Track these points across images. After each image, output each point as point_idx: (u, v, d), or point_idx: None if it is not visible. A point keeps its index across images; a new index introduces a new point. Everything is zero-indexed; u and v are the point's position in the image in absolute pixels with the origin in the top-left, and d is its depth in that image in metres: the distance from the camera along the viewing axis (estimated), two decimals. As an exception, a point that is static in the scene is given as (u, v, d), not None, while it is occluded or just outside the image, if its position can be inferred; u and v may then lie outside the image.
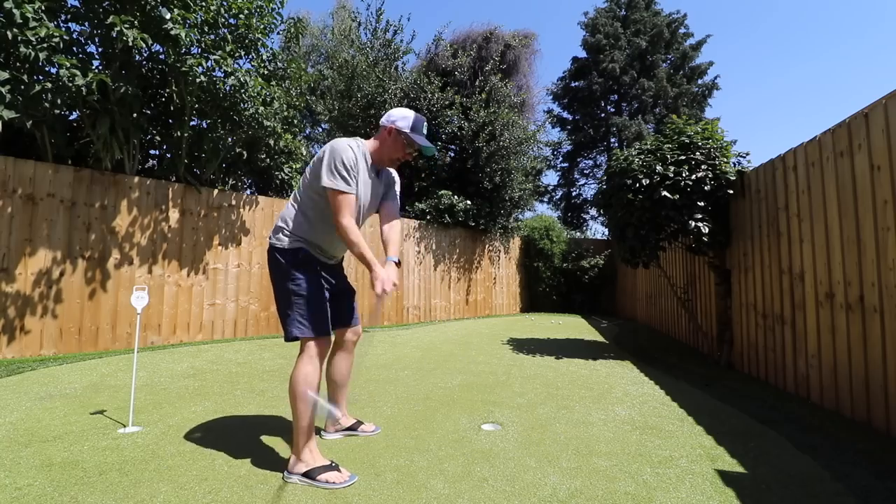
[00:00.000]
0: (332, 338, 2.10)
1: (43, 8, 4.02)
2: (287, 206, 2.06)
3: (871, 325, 2.49)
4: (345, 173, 1.88)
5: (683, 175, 4.03)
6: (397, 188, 2.24)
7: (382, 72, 9.24)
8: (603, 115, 17.40)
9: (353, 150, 1.95)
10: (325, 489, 1.71)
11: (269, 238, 2.02)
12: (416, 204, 8.72)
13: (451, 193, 8.88)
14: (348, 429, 2.31)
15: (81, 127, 5.05)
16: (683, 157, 4.14)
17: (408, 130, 2.06)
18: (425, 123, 2.12)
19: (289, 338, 1.90)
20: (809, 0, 35.75)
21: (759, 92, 38.66)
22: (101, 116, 4.62)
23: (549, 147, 15.87)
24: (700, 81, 16.72)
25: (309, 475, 1.76)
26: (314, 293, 1.92)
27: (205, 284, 5.46)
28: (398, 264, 2.03)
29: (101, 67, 4.67)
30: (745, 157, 4.25)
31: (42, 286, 4.32)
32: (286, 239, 1.96)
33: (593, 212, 17.60)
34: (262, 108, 5.47)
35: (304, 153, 7.09)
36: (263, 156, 6.45)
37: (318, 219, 1.98)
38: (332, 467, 1.79)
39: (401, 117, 2.08)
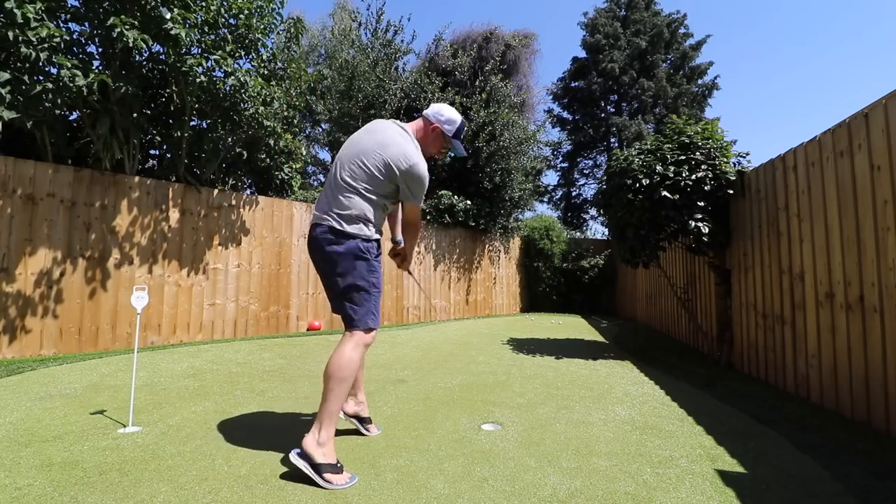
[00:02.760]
0: None
1: (44, 8, 4.02)
2: (350, 196, 1.95)
3: (871, 325, 2.49)
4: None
5: (683, 175, 4.03)
6: None
7: (383, 72, 9.24)
8: (603, 115, 17.40)
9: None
10: (324, 488, 1.71)
11: (341, 226, 1.92)
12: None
13: (451, 193, 8.88)
14: (360, 420, 2.30)
15: (81, 127, 5.05)
16: (683, 157, 4.14)
17: (451, 135, 2.12)
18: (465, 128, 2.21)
19: (359, 328, 1.92)
20: (809, 0, 35.75)
21: (759, 92, 38.69)
22: (101, 116, 4.62)
23: (549, 147, 15.89)
24: (700, 81, 16.73)
25: (317, 469, 1.73)
26: (381, 285, 2.01)
27: (205, 284, 5.46)
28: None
29: (101, 67, 4.67)
30: (745, 157, 4.25)
31: (42, 286, 4.32)
32: (368, 230, 1.96)
33: (593, 212, 17.61)
34: (262, 108, 5.47)
35: (304, 153, 7.09)
36: (263, 156, 6.45)
37: (384, 212, 2.07)
38: (338, 468, 1.78)
39: (448, 120, 2.13)
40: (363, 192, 1.96)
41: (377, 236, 2.01)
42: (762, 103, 39.37)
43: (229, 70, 4.96)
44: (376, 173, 1.96)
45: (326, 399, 1.82)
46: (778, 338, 3.42)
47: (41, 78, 4.16)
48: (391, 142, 1.98)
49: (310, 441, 1.78)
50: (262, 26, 5.45)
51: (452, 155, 2.29)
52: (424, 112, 2.18)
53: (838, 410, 2.72)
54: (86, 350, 4.53)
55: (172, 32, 4.45)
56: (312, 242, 2.01)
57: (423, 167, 1.99)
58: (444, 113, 2.13)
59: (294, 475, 1.78)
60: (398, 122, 2.12)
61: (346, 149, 2.07)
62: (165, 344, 5.04)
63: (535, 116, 15.00)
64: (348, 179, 1.97)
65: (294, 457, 1.76)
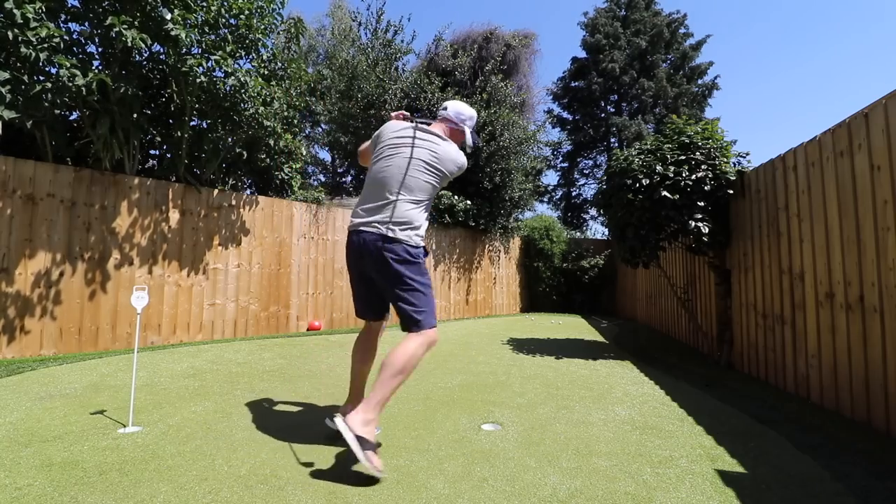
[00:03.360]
0: None
1: (43, 8, 4.02)
2: (404, 203, 2.07)
3: (871, 325, 2.49)
4: None
5: (683, 175, 4.03)
6: None
7: (383, 72, 9.24)
8: (603, 115, 17.39)
9: None
10: (363, 464, 1.71)
11: (394, 233, 2.03)
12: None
13: (450, 193, 8.87)
14: None
15: (81, 127, 5.05)
16: (683, 157, 4.14)
17: (472, 130, 2.30)
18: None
19: (423, 327, 2.03)
20: (809, 0, 35.75)
21: (759, 92, 38.68)
22: (101, 116, 4.62)
23: (549, 147, 15.87)
24: (700, 81, 16.72)
25: (363, 443, 1.72)
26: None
27: (205, 284, 5.46)
28: None
29: (101, 67, 4.66)
30: (745, 157, 4.25)
31: (42, 286, 4.32)
32: (418, 237, 2.08)
33: (593, 212, 17.60)
34: (262, 108, 5.47)
35: (304, 153, 7.08)
36: (263, 156, 6.45)
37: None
38: (377, 453, 1.80)
39: (469, 118, 2.31)
40: (411, 200, 2.09)
41: (424, 243, 2.14)
42: (762, 103, 39.39)
43: (229, 70, 4.96)
44: (435, 184, 2.16)
45: (385, 387, 1.87)
46: (778, 338, 3.42)
47: (41, 78, 4.15)
48: (446, 157, 2.18)
49: (358, 419, 1.77)
50: (262, 26, 5.45)
51: (472, 145, 2.36)
52: (444, 114, 2.30)
53: (838, 410, 2.72)
54: (86, 350, 4.53)
55: (173, 33, 4.45)
56: (363, 248, 2.05)
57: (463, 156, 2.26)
58: (464, 112, 2.30)
59: (291, 469, 1.77)
60: (430, 128, 2.23)
61: (394, 158, 2.14)
62: (165, 344, 5.04)
63: (535, 116, 15.00)
64: (408, 190, 2.09)
65: (340, 423, 1.76)
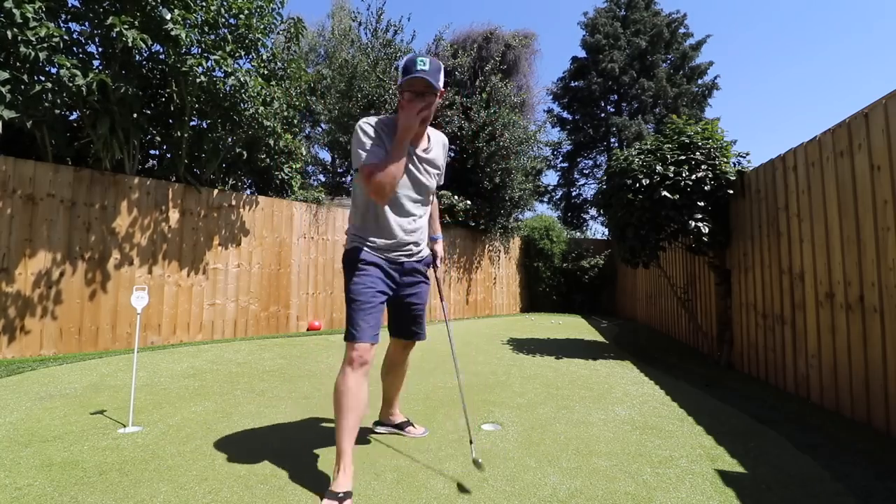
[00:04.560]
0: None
1: (43, 8, 4.02)
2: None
3: (871, 325, 2.49)
4: None
5: (683, 175, 4.03)
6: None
7: (383, 72, 9.24)
8: (603, 115, 17.39)
9: None
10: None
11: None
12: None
13: (450, 193, 8.87)
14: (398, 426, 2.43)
15: (81, 127, 5.05)
16: (683, 157, 4.14)
17: (404, 81, 1.75)
18: (419, 58, 1.76)
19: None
20: (809, 0, 35.76)
21: (759, 92, 38.68)
22: (101, 116, 4.62)
23: (549, 147, 15.87)
24: (700, 81, 16.71)
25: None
26: None
27: (205, 284, 5.46)
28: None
29: (101, 67, 4.66)
30: (745, 157, 4.25)
31: (42, 286, 4.32)
32: (350, 238, 1.96)
33: (593, 212, 17.58)
34: (262, 108, 5.47)
35: (304, 153, 7.08)
36: (263, 156, 6.45)
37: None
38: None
39: (401, 72, 1.79)
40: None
41: (354, 244, 1.96)
42: (762, 103, 39.36)
43: (229, 70, 4.96)
44: (358, 181, 1.92)
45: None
46: (778, 338, 3.42)
47: (41, 78, 4.15)
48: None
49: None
50: (262, 26, 5.45)
51: (418, 70, 1.74)
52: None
53: (838, 410, 2.72)
54: (86, 350, 4.53)
55: (172, 33, 4.45)
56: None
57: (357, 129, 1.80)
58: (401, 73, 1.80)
59: (291, 473, 1.77)
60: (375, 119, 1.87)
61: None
62: (165, 344, 5.04)
63: (535, 116, 15.03)
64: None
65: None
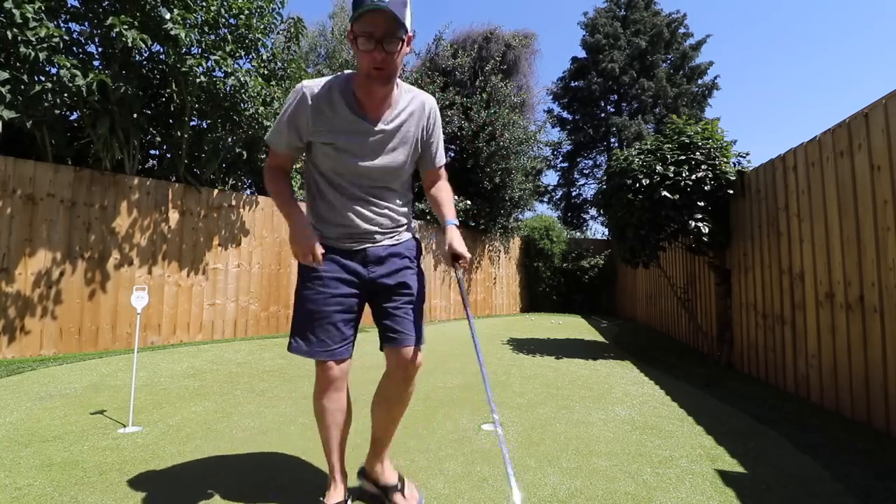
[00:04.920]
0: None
1: (43, 8, 4.02)
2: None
3: (871, 325, 2.49)
4: None
5: (683, 175, 4.03)
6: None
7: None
8: (603, 115, 17.39)
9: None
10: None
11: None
12: (416, 204, 8.73)
13: (450, 193, 8.87)
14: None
15: (81, 127, 5.05)
16: (683, 157, 4.14)
17: (354, 20, 1.29)
18: None
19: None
20: (809, 0, 35.76)
21: (759, 92, 38.68)
22: (101, 116, 4.62)
23: (549, 147, 15.90)
24: (700, 81, 16.72)
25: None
26: None
27: (205, 284, 5.45)
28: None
29: (101, 67, 4.66)
30: (745, 157, 4.25)
31: (42, 286, 4.32)
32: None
33: (593, 212, 17.59)
34: (262, 108, 5.47)
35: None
36: (263, 156, 6.45)
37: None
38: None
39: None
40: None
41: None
42: (762, 103, 39.36)
43: (229, 70, 4.96)
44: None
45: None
46: (778, 338, 3.42)
47: (41, 78, 4.15)
48: None
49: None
50: (262, 26, 5.45)
51: (369, 8, 1.26)
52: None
53: (838, 410, 2.72)
54: (86, 350, 4.53)
55: (172, 33, 4.45)
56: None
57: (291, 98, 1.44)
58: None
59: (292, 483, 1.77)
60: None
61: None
62: (165, 344, 5.04)
63: (535, 116, 15.02)
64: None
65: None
